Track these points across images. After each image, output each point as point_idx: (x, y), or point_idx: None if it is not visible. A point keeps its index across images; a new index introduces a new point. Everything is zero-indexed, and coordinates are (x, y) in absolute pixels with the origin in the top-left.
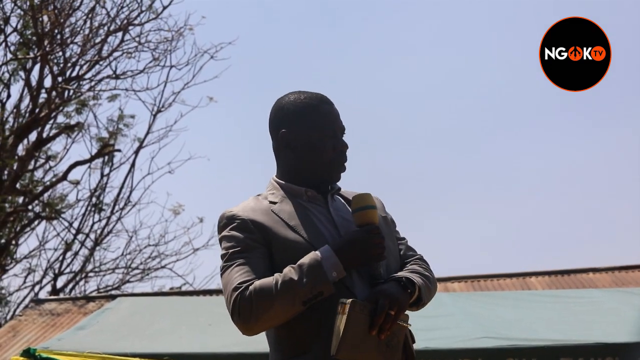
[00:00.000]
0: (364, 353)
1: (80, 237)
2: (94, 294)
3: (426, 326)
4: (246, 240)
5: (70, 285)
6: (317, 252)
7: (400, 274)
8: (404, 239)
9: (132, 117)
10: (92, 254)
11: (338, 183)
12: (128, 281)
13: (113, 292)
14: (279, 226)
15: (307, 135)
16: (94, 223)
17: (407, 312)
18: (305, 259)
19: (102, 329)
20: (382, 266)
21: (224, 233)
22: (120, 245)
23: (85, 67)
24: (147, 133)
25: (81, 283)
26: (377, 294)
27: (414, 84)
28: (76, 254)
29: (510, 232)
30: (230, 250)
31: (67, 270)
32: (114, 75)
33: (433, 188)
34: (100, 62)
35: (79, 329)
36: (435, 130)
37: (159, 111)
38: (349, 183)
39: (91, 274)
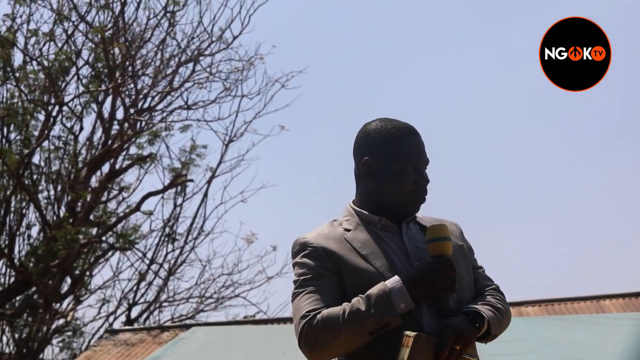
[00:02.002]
0: None
1: (154, 267)
2: (168, 323)
3: (502, 352)
4: (317, 268)
5: (145, 315)
6: (386, 283)
7: (470, 306)
8: (480, 267)
9: (205, 147)
10: (166, 283)
11: None
12: (202, 310)
13: (187, 322)
14: (350, 255)
15: (388, 165)
16: (167, 253)
17: (476, 344)
18: (374, 290)
19: (177, 359)
20: (454, 298)
21: (297, 259)
22: (194, 274)
23: (156, 99)
24: (220, 163)
25: (155, 313)
26: (444, 328)
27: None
28: (150, 284)
29: (584, 253)
30: (302, 278)
31: (141, 300)
32: (185, 106)
33: (504, 210)
34: (172, 93)
35: (154, 359)
36: (505, 152)
37: (230, 141)
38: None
39: (165, 304)
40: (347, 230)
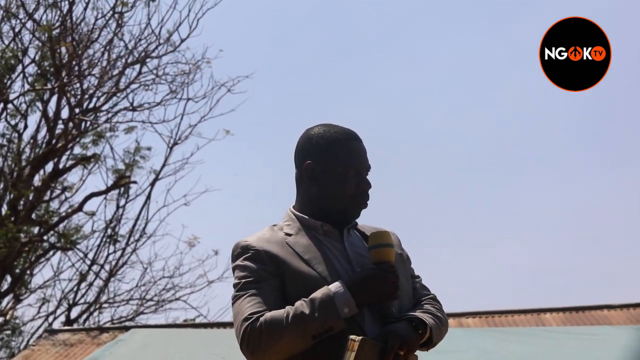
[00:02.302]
0: None
1: (95, 268)
2: (107, 324)
3: None
4: (259, 271)
5: (84, 316)
6: (330, 287)
7: (412, 313)
8: (418, 277)
9: (149, 149)
10: (107, 285)
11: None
12: (142, 312)
13: (127, 324)
14: (292, 259)
15: (331, 169)
16: (108, 254)
17: (416, 352)
18: (317, 294)
19: None
20: (395, 305)
21: (238, 262)
22: (135, 276)
23: (102, 99)
24: (164, 165)
25: (95, 314)
26: (388, 333)
27: (432, 114)
28: (91, 284)
29: (525, 267)
30: (243, 280)
31: (82, 300)
32: (131, 107)
33: (447, 223)
34: (118, 94)
35: None
36: (451, 165)
37: (175, 144)
38: (363, 214)
39: (105, 305)
40: (288, 234)
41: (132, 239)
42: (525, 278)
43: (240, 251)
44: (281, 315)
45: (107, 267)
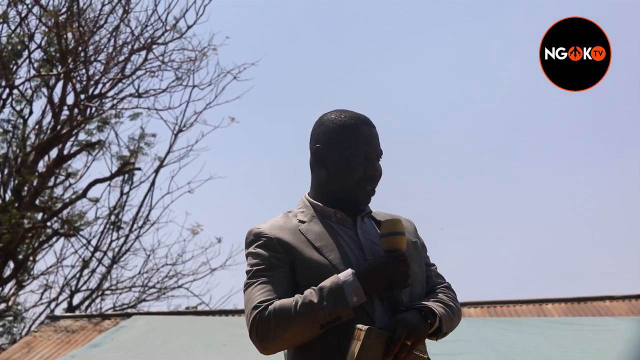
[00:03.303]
0: None
1: (98, 254)
2: (109, 311)
3: (442, 351)
4: (271, 258)
5: (87, 303)
6: (339, 276)
7: (422, 302)
8: (433, 265)
9: (154, 135)
10: (109, 271)
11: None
12: (144, 300)
13: (129, 311)
14: (304, 246)
15: (340, 153)
16: (112, 241)
17: (426, 341)
18: (327, 282)
19: (116, 347)
20: (406, 293)
21: (250, 250)
22: (138, 263)
23: (108, 85)
24: (168, 152)
25: (97, 301)
26: (396, 322)
27: (432, 106)
28: (93, 271)
29: (527, 258)
30: (255, 268)
31: (84, 287)
32: (136, 94)
33: (449, 212)
34: (123, 81)
35: (93, 347)
36: (454, 154)
37: (180, 130)
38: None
39: (108, 292)
40: (302, 222)
41: (135, 226)
42: (527, 268)
43: (253, 238)
44: (290, 304)
45: (110, 253)
